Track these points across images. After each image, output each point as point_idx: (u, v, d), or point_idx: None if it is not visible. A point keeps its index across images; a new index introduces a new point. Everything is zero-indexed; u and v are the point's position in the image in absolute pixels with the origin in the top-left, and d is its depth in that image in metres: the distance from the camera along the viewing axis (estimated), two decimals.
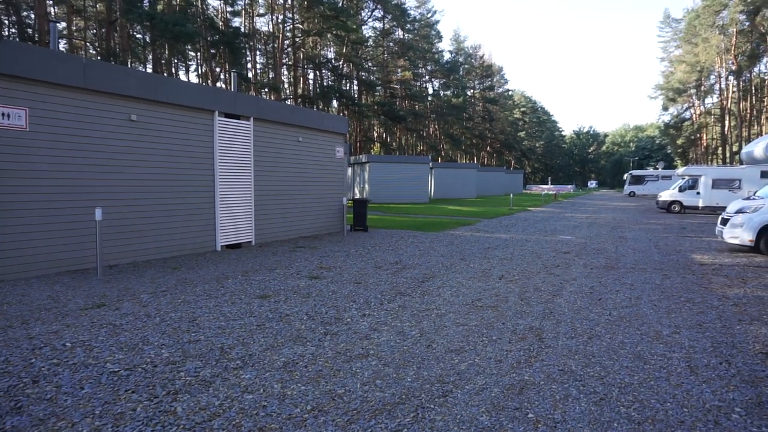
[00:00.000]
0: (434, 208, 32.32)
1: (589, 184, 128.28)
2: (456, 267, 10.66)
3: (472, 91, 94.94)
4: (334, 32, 43.29)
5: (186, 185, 11.29)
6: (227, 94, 12.38)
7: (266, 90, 40.94)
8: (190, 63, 47.98)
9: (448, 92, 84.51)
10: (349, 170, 42.68)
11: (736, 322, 6.64)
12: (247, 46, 41.91)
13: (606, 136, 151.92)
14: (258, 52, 52.61)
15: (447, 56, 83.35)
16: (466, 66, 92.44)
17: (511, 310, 7.16)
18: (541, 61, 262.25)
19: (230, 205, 12.39)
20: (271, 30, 45.55)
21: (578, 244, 14.83)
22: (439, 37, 77.58)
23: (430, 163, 48.91)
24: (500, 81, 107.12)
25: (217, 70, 43.08)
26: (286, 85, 52.19)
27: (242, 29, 44.97)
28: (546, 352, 5.41)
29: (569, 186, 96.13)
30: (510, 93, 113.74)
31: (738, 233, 13.14)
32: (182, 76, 55.46)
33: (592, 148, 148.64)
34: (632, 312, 7.15)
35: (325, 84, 46.65)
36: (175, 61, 40.49)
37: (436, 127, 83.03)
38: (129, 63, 33.99)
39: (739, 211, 13.39)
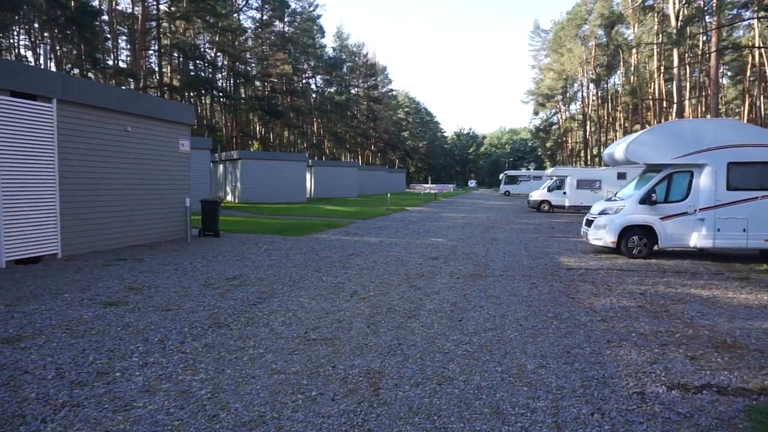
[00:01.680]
0: (310, 208, 30.61)
1: (469, 183, 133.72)
2: (305, 281, 9.06)
3: (356, 89, 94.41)
4: (203, 17, 39.76)
5: None
6: (12, 66, 9.72)
7: (123, 77, 36.46)
8: (46, 44, 41.39)
9: (332, 89, 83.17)
10: (220, 167, 39.59)
11: (605, 345, 5.73)
12: (100, 26, 37.11)
13: (485, 137, 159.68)
14: (124, 37, 47.38)
15: (330, 53, 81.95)
16: (349, 64, 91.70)
17: (351, 343, 5.69)
18: (424, 63, 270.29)
19: (20, 209, 9.72)
20: (131, 10, 40.88)
21: (449, 248, 13.95)
22: (322, 33, 76.03)
23: (310, 161, 47.11)
24: (384, 81, 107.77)
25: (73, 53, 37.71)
26: (152, 74, 47.48)
27: (98, 6, 39.84)
28: (378, 413, 3.96)
29: (450, 185, 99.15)
30: (394, 93, 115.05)
31: (601, 235, 12.96)
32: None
33: (471, 149, 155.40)
34: (495, 336, 6.01)
35: (196, 74, 42.79)
36: None
37: (320, 124, 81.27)
38: None
39: (602, 213, 13.24)
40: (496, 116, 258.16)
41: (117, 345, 5.43)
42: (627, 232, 12.63)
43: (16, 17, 30.46)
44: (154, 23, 39.03)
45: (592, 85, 70.68)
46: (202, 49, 47.41)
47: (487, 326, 6.45)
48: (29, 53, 47.92)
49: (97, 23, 38.51)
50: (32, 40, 46.10)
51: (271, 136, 66.31)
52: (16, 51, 49.14)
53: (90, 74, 39.81)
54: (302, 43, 68.07)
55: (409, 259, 11.93)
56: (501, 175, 66.05)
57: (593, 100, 72.14)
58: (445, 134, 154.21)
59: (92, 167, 11.38)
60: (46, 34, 41.58)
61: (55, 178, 10.40)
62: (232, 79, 53.62)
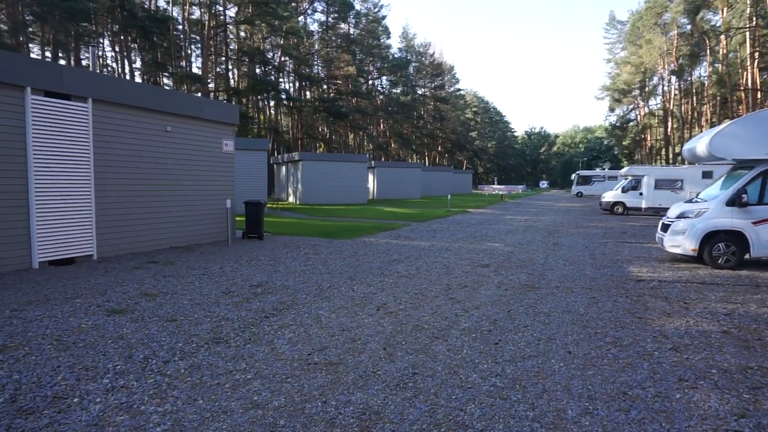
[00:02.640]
0: (369, 209, 30.02)
1: (540, 184, 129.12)
2: (333, 290, 8.29)
3: (422, 89, 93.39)
4: (266, 20, 40.28)
5: None
6: (48, 67, 9.63)
7: (191, 82, 37.56)
8: (94, 46, 43.56)
9: (398, 90, 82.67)
10: (283, 169, 39.95)
11: (675, 385, 4.54)
12: (166, 32, 38.47)
13: (557, 137, 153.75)
14: (190, 43, 49.10)
15: (396, 53, 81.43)
16: (415, 64, 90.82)
17: (357, 370, 4.83)
18: (492, 61, 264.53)
19: (54, 210, 9.62)
20: (198, 16, 42.16)
21: (503, 254, 12.76)
22: (387, 33, 75.63)
23: (372, 162, 46.71)
24: (451, 80, 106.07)
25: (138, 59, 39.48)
26: (220, 79, 48.90)
27: (171, 13, 41.42)
28: None
29: (520, 186, 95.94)
30: (461, 92, 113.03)
31: (680, 241, 11.34)
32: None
33: (543, 149, 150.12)
34: (535, 367, 4.95)
35: (258, 77, 43.48)
36: (74, 43, 36.17)
37: (385, 125, 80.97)
38: (22, 43, 30.13)
39: (680, 216, 11.59)
40: (568, 114, 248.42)
41: (96, 362, 4.87)
42: (711, 238, 10.96)
43: (91, 27, 32.04)
44: (221, 29, 40.12)
45: (673, 78, 65.77)
46: (266, 53, 48.14)
47: (528, 352, 5.39)
48: (115, 64, 50.82)
49: (169, 31, 39.94)
50: (116, 50, 48.81)
51: (336, 137, 66.68)
52: (101, 61, 52.23)
53: (163, 80, 41.57)
54: (367, 44, 67.99)
55: (455, 266, 10.91)
56: (573, 176, 62.85)
57: (675, 95, 67.09)
58: (515, 134, 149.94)
59: (129, 167, 11.22)
60: (98, 40, 43.92)
61: (91, 178, 10.27)
62: (297, 82, 54.25)
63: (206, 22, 39.02)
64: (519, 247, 14.26)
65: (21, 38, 29.66)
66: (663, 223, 12.24)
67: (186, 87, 40.98)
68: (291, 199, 37.63)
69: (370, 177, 46.61)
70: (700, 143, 11.98)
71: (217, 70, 47.97)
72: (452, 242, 15.10)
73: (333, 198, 35.29)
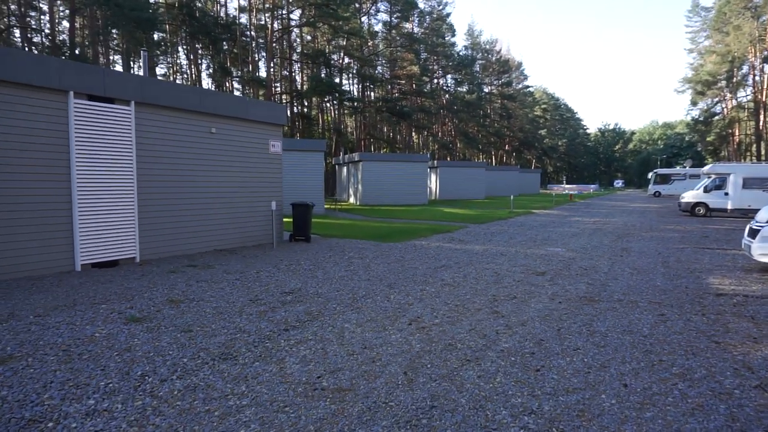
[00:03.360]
0: (428, 210, 29.27)
1: (614, 183, 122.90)
2: (367, 300, 7.72)
3: (488, 87, 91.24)
4: (327, 22, 40.45)
5: (22, 185, 8.63)
6: (90, 71, 9.65)
7: (255, 85, 38.37)
8: (160, 55, 45.22)
9: (463, 89, 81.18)
10: (344, 170, 39.95)
11: None
12: (231, 37, 39.49)
13: (633, 133, 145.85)
14: (257, 47, 50.33)
15: (461, 51, 79.95)
16: (482, 61, 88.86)
17: (368, 399, 4.22)
18: (563, 56, 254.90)
19: (97, 213, 9.66)
20: (263, 22, 43.02)
21: (564, 261, 11.71)
22: (452, 31, 74.33)
23: (434, 162, 45.91)
24: (519, 77, 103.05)
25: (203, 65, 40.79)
26: (284, 81, 49.77)
27: (239, 19, 42.58)
28: None
29: (592, 186, 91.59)
30: (530, 89, 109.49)
31: None
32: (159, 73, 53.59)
33: (618, 146, 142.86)
34: (579, 403, 4.15)
35: (321, 79, 43.71)
36: (141, 50, 38.19)
37: (450, 125, 79.71)
38: (96, 54, 31.80)
39: None
40: (646, 109, 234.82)
41: (91, 378, 4.54)
42: None
43: (162, 35, 33.39)
44: (285, 32, 40.74)
45: (767, 66, 60.21)
46: (329, 55, 48.45)
47: (574, 384, 4.57)
48: (189, 70, 53.09)
49: (235, 36, 41.00)
50: (190, 57, 50.93)
51: (399, 138, 66.27)
52: (174, 68, 54.72)
53: (232, 84, 42.72)
54: (431, 42, 67.10)
55: (507, 273, 10.03)
56: (650, 174, 58.98)
57: None
58: (587, 131, 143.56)
59: (172, 170, 11.18)
60: (170, 45, 45.68)
61: (134, 181, 10.27)
62: (359, 83, 54.31)
63: (270, 26, 39.70)
64: (582, 252, 13.11)
65: (100, 48, 31.47)
66: (751, 228, 10.76)
67: (252, 91, 41.94)
68: (351, 199, 37.54)
69: (433, 177, 45.82)
70: None
71: (283, 73, 48.84)
72: (509, 246, 14.14)
73: (393, 199, 34.83)
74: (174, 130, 11.15)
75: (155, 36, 41.96)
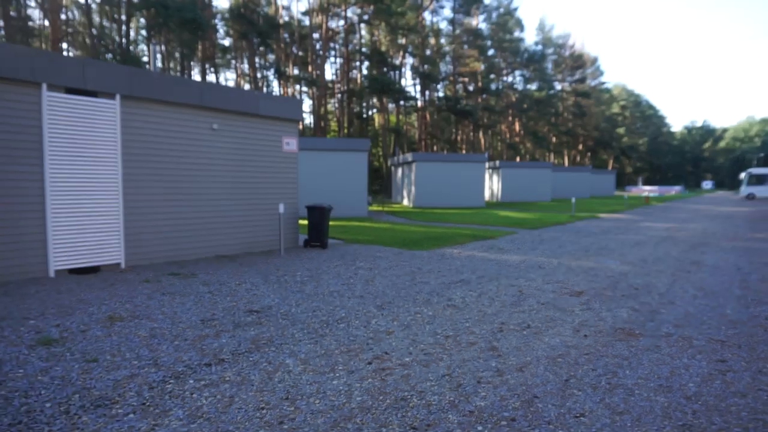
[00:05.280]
0: (483, 213, 27.35)
1: (703, 184, 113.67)
2: (339, 325, 6.35)
3: (561, 84, 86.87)
4: (383, 18, 39.26)
5: None
6: (68, 62, 8.93)
7: (301, 85, 37.96)
8: (155, 44, 45.64)
9: (533, 86, 77.71)
10: (399, 171, 38.70)
11: None
12: (282, 38, 39.31)
13: (725, 131, 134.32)
14: (300, 46, 50.12)
15: (531, 47, 76.49)
16: (554, 57, 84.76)
17: None
18: (644, 49, 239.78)
19: (74, 215, 8.91)
20: (317, 21, 42.58)
21: (612, 277, 9.77)
22: (521, 26, 71.17)
23: (496, 162, 43.63)
24: (594, 73, 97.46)
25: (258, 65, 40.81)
26: (334, 79, 49.22)
27: (295, 16, 42.41)
28: None
29: (676, 187, 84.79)
30: (606, 86, 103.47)
31: None
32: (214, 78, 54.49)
33: (707, 145, 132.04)
34: None
35: (376, 77, 42.60)
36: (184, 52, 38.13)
37: (519, 124, 76.41)
38: (147, 57, 32.28)
39: None
40: (740, 105, 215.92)
41: None
42: None
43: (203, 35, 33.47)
44: (339, 31, 40.14)
45: None
46: (387, 53, 47.32)
47: None
48: (266, 73, 53.96)
49: (274, 35, 40.69)
50: (239, 56, 51.71)
51: (462, 137, 64.11)
52: (238, 72, 55.77)
53: (275, 84, 42.54)
54: (498, 38, 64.48)
55: (534, 292, 8.32)
56: (742, 174, 53.27)
57: None
58: (671, 129, 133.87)
59: (168, 169, 10.33)
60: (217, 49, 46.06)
61: (118, 181, 9.48)
62: (419, 81, 52.84)
63: (323, 24, 39.14)
64: (639, 266, 11.03)
65: (147, 49, 32.14)
66: None
67: (302, 89, 41.59)
68: (405, 201, 36.21)
69: (495, 178, 43.59)
70: None
71: (336, 71, 48.32)
72: (553, 257, 12.26)
73: (447, 201, 33.11)
74: (169, 126, 10.30)
75: (217, 40, 42.82)
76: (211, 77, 51.38)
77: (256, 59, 54.58)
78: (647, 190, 72.51)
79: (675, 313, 7.07)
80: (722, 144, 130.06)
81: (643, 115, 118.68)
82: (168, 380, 4.50)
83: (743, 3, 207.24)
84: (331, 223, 19.57)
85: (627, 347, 5.61)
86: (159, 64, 47.42)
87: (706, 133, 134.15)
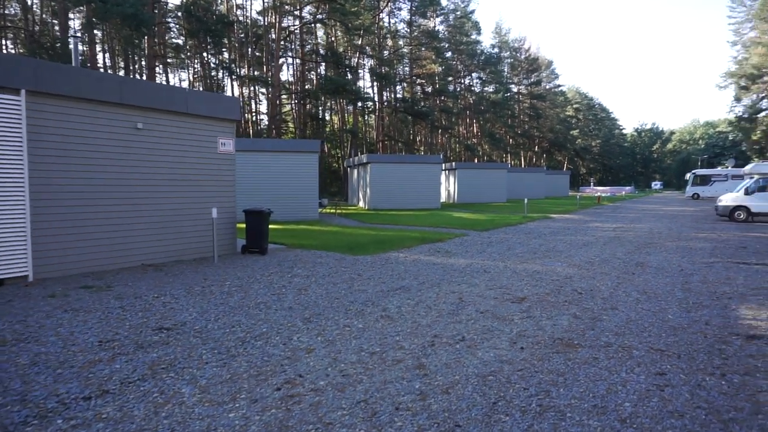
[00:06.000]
0: (437, 215, 27.08)
1: (652, 185, 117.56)
2: (256, 342, 5.76)
3: (516, 87, 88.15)
4: (338, 18, 38.62)
5: None
6: None
7: (255, 86, 36.94)
8: (77, 38, 44.02)
9: (489, 88, 78.52)
10: (355, 173, 38.15)
11: None
12: (233, 36, 38.18)
13: (672, 133, 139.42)
14: (256, 46, 48.98)
15: (487, 50, 77.22)
16: (509, 60, 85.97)
17: None
18: (597, 54, 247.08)
19: None
20: (270, 21, 41.58)
21: (556, 281, 9.49)
22: (477, 29, 71.70)
23: (452, 164, 43.61)
24: (550, 76, 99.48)
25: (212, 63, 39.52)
26: (292, 80, 48.23)
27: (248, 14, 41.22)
28: None
29: (626, 187, 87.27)
30: (561, 88, 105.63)
31: None
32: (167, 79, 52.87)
33: (655, 147, 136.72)
34: None
35: (330, 78, 41.84)
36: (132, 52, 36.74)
37: (476, 125, 77.01)
38: (93, 56, 30.74)
39: None
40: (686, 108, 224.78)
41: None
42: None
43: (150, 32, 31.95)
44: (292, 30, 39.22)
45: None
46: (342, 54, 46.67)
47: None
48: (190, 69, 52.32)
49: (224, 32, 39.55)
50: (187, 54, 50.16)
51: (420, 139, 64.04)
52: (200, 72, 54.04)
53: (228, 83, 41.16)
54: (455, 40, 64.76)
55: (475, 300, 7.91)
56: (688, 175, 55.11)
57: None
58: (623, 131, 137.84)
59: (83, 172, 9.46)
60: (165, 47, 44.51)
61: (24, 185, 8.58)
62: (374, 82, 52.39)
63: (276, 24, 38.20)
64: (586, 268, 10.83)
65: (86, 48, 30.55)
66: None
67: (260, 90, 40.51)
68: (361, 203, 35.65)
69: (451, 179, 43.53)
70: None
71: (290, 72, 47.40)
72: (499, 260, 11.95)
73: (403, 203, 32.72)
74: (84, 125, 9.44)
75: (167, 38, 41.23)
76: (161, 77, 49.61)
77: (211, 59, 53.17)
78: (599, 191, 74.25)
79: (617, 320, 6.78)
80: (670, 146, 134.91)
81: (596, 117, 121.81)
82: (30, 421, 3.82)
83: (690, 12, 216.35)
84: (278, 227, 18.88)
85: (564, 361, 5.24)
86: (108, 62, 45.50)
87: (655, 135, 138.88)
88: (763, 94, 68.14)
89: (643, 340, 5.95)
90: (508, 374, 4.87)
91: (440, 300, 7.88)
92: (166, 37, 49.81)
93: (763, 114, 70.11)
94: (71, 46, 10.67)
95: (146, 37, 31.52)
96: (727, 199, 24.11)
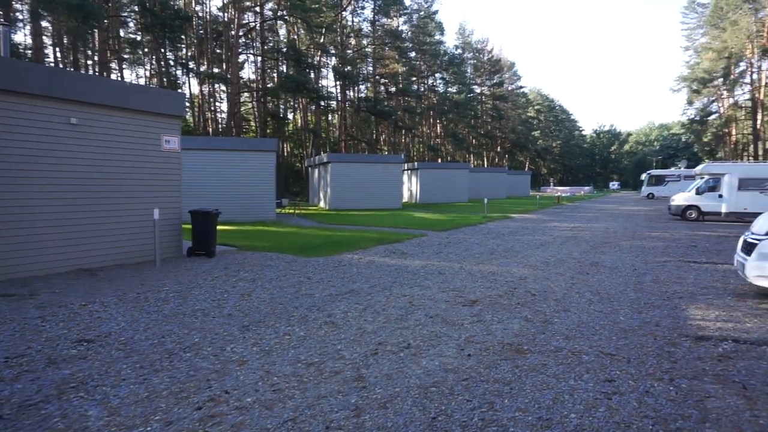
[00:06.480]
0: (398, 215, 26.85)
1: (610, 185, 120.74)
2: (185, 355, 5.32)
3: (479, 88, 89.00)
4: (298, 15, 37.94)
5: None
6: None
7: (213, 83, 36.00)
8: (7, 25, 42.56)
9: (453, 89, 79.01)
10: (316, 172, 37.61)
11: None
12: (191, 31, 37.11)
13: (629, 135, 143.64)
14: (217, 43, 47.82)
15: (452, 51, 77.64)
16: (472, 61, 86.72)
17: None
18: (558, 57, 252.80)
19: None
20: (230, 16, 40.62)
21: (510, 282, 9.32)
22: (441, 30, 71.97)
23: (414, 164, 43.55)
24: (512, 77, 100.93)
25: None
26: (254, 78, 47.26)
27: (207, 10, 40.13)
28: None
29: (585, 187, 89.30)
30: (523, 90, 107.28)
31: None
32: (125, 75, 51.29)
33: (613, 148, 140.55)
34: None
35: (290, 76, 41.09)
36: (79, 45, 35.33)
37: (440, 126, 77.34)
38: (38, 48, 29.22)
39: None
40: (642, 110, 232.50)
41: None
42: None
43: (103, 25, 30.65)
44: (252, 26, 38.32)
45: (764, 64, 57.90)
46: (304, 52, 45.95)
47: None
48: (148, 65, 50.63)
49: (181, 26, 38.46)
50: (145, 50, 48.63)
51: (385, 139, 63.85)
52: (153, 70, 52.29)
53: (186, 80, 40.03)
54: (418, 41, 64.80)
55: (426, 303, 7.63)
56: (643, 175, 56.66)
57: (766, 83, 59.11)
58: (583, 133, 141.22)
59: (7, 170, 8.75)
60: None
61: None
62: (337, 81, 51.87)
63: (236, 20, 37.28)
64: (541, 269, 10.72)
65: (34, 41, 29.05)
66: (746, 241, 8.39)
67: (211, 87, 39.48)
68: (322, 204, 35.14)
69: (414, 179, 43.45)
70: None
71: (252, 69, 46.44)
72: (455, 261, 11.75)
73: (364, 202, 32.37)
74: (10, 119, 8.73)
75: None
76: (116, 74, 47.85)
77: (170, 56, 51.61)
78: (559, 191, 75.68)
79: (568, 323, 6.61)
80: (627, 147, 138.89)
81: (557, 119, 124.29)
82: None
83: (646, 17, 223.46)
84: (232, 228, 18.27)
85: (512, 368, 5.00)
86: (58, 55, 43.46)
87: (613, 136, 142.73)
88: (713, 98, 70.80)
89: (594, 343, 5.78)
90: (451, 384, 4.58)
91: (390, 304, 7.57)
92: (122, 32, 48.16)
93: (713, 117, 72.85)
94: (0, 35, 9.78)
95: (97, 31, 30.22)
96: (680, 199, 24.72)
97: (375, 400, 4.24)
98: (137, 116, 10.69)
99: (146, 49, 50.54)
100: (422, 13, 68.22)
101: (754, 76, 61.42)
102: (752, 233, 8.22)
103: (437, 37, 72.01)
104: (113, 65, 45.09)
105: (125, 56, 53.13)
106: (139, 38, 50.21)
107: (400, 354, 5.39)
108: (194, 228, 11.56)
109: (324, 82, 58.81)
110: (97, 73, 32.74)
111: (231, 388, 4.45)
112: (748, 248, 8.09)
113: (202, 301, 7.66)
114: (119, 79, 41.85)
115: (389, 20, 61.24)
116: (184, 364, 5.03)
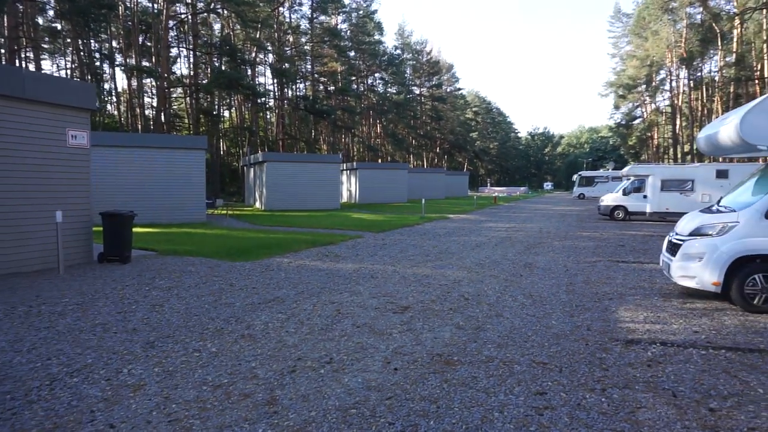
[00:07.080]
0: (335, 216, 26.31)
1: (545, 185, 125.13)
2: (70, 380, 4.63)
3: (419, 89, 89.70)
4: (230, 7, 36.56)
5: None
6: None
7: (143, 76, 34.10)
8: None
9: (392, 89, 79.18)
10: (251, 172, 36.42)
11: None
12: (118, 22, 35.02)
13: (562, 137, 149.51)
14: (147, 35, 45.55)
15: (392, 51, 77.74)
16: (412, 62, 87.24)
17: None
18: (495, 60, 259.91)
19: None
20: (159, 7, 38.67)
21: (445, 286, 9.05)
22: (380, 30, 71.84)
23: (353, 164, 43.12)
24: (450, 79, 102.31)
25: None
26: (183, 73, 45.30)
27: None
28: None
29: (521, 188, 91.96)
30: (461, 92, 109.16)
31: (695, 270, 7.60)
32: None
33: (547, 150, 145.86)
34: None
35: (223, 71, 39.61)
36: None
37: (379, 126, 77.28)
38: None
39: (696, 233, 7.84)
40: (574, 114, 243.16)
41: None
42: (743, 267, 7.21)
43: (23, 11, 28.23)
44: (181, 19, 36.63)
45: (682, 73, 61.49)
46: (239, 47, 44.45)
47: None
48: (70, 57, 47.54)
49: (113, 19, 36.35)
50: (66, 41, 45.68)
51: (324, 138, 63.02)
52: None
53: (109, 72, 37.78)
54: (357, 40, 64.38)
55: (355, 311, 7.20)
56: (574, 177, 58.87)
57: (684, 90, 62.86)
58: (518, 135, 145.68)
59: None
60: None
61: None
62: (274, 78, 50.63)
63: (164, 11, 35.43)
64: (475, 271, 10.54)
65: None
66: (670, 242, 8.50)
67: (138, 81, 37.51)
68: (257, 204, 34.05)
69: (353, 179, 43.00)
70: (725, 127, 8.25)
71: (185, 64, 44.54)
72: (389, 264, 11.40)
73: (301, 203, 31.58)
74: None
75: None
76: (32, 64, 44.50)
77: (95, 46, 48.58)
78: (496, 191, 77.48)
79: (500, 329, 6.36)
80: (560, 149, 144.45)
81: (494, 121, 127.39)
82: None
83: (577, 24, 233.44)
84: (156, 230, 17.18)
85: (440, 383, 4.64)
86: None
87: (547, 139, 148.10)
88: (638, 103, 74.68)
89: (526, 351, 5.54)
90: (374, 405, 4.17)
91: (315, 313, 7.08)
92: (41, 20, 44.87)
93: (637, 121, 76.84)
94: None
95: (5, 16, 27.81)
96: (608, 200, 25.61)
97: (287, 428, 3.76)
98: (38, 108, 9.63)
99: (68, 39, 47.44)
100: (361, 12, 67.92)
101: (674, 83, 65.20)
102: (676, 234, 8.33)
103: (376, 36, 71.88)
104: (29, 54, 42.02)
105: (45, 45, 49.65)
106: (59, 27, 47.05)
107: (320, 371, 4.92)
108: (105, 232, 10.58)
109: (261, 80, 57.40)
110: (5, 62, 30.19)
111: (118, 421, 3.84)
112: (673, 249, 8.18)
113: (106, 314, 6.88)
114: (36, 70, 38.97)
115: (328, 18, 60.49)
116: (66, 393, 4.34)
